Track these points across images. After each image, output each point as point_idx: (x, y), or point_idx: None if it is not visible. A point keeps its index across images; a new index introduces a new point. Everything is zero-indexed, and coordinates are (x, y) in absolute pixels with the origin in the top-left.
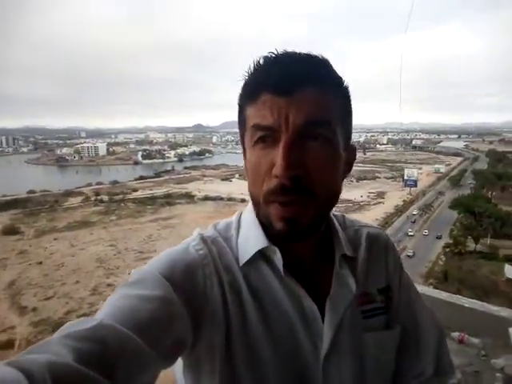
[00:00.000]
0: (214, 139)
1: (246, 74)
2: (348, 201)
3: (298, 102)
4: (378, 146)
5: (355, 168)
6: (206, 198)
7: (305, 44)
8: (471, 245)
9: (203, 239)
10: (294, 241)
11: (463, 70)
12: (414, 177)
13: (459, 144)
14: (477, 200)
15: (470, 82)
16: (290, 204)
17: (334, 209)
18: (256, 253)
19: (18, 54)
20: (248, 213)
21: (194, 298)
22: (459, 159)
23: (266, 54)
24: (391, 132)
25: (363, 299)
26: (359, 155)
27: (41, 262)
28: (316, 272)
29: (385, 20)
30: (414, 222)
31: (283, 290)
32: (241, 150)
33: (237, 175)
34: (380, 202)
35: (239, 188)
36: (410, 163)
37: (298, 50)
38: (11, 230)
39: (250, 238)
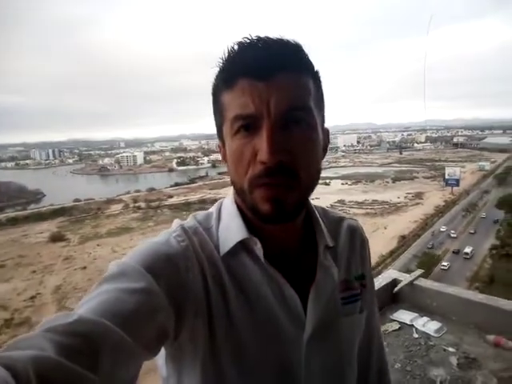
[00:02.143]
0: None
1: (221, 61)
2: (384, 202)
3: (278, 86)
4: (415, 144)
5: (390, 168)
6: None
7: (348, 45)
8: None
9: (184, 230)
10: (280, 222)
11: (508, 63)
12: (456, 176)
13: (505, 140)
14: None
15: None
16: (275, 185)
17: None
18: (237, 243)
19: (64, 71)
20: (229, 203)
21: (177, 289)
22: (505, 156)
23: (239, 40)
24: (430, 130)
25: (343, 286)
26: (395, 155)
27: (85, 267)
28: (298, 261)
29: (423, 18)
30: (453, 224)
31: (264, 278)
32: None
33: None
34: (418, 203)
35: None
36: (451, 161)
37: (270, 35)
38: (58, 237)
39: (231, 229)
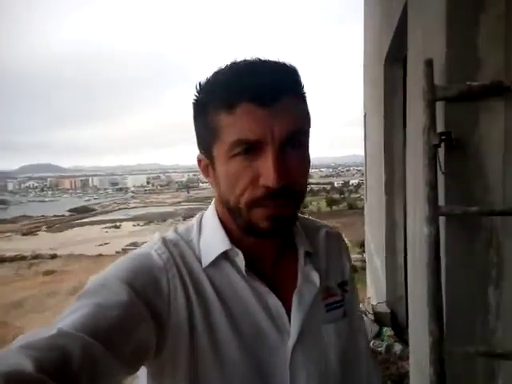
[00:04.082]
0: (11, 186)
1: (218, 77)
2: None
3: (281, 112)
4: (200, 184)
5: (180, 207)
6: (0, 260)
7: None
8: None
9: (165, 243)
10: (277, 236)
11: None
12: None
13: None
14: None
15: None
16: (276, 207)
17: None
18: (219, 255)
19: None
20: (209, 215)
21: (157, 303)
22: None
23: (235, 59)
24: None
25: (326, 293)
26: (184, 194)
27: None
28: (278, 269)
29: None
30: None
31: (247, 288)
32: (49, 198)
33: (44, 227)
34: None
35: (47, 242)
36: None
37: (267, 57)
38: None
39: (213, 241)
